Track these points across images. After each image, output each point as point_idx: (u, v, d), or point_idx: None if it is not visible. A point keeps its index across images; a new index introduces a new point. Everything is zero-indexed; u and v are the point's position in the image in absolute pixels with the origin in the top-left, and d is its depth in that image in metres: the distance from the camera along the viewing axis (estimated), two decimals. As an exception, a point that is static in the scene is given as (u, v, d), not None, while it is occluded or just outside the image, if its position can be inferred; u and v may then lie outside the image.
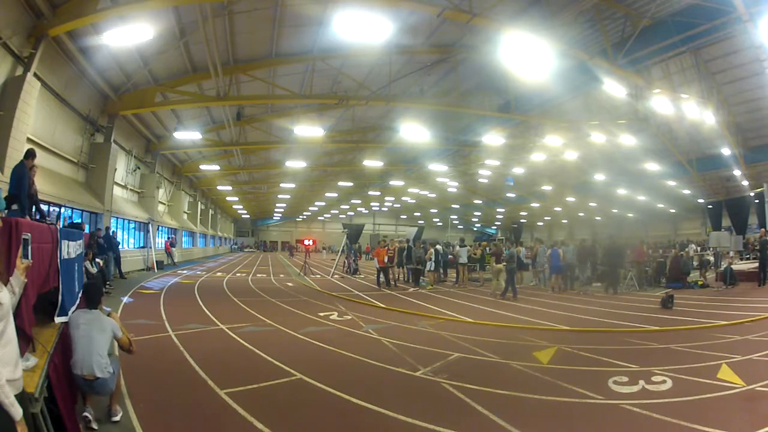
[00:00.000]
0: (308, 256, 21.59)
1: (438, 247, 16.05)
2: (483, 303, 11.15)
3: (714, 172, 23.75)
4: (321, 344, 6.40)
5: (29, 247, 2.98)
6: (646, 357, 5.76)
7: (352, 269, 20.57)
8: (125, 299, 10.05)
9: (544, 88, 14.87)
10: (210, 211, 39.84)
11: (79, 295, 4.62)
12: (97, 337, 3.43)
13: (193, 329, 7.17)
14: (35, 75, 10.11)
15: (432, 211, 55.22)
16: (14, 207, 5.67)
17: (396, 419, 3.73)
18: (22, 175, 6.06)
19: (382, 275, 15.11)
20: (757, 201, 21.93)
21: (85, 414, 3.38)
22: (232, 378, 4.67)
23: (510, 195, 39.71)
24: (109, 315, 3.78)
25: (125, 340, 3.77)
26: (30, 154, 6.44)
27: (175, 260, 23.22)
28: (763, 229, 14.61)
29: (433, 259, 15.26)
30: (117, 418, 3.52)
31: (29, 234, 2.98)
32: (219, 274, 19.09)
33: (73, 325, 3.49)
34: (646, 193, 32.11)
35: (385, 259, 15.27)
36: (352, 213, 57.58)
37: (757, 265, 14.36)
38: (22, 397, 2.07)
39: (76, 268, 4.77)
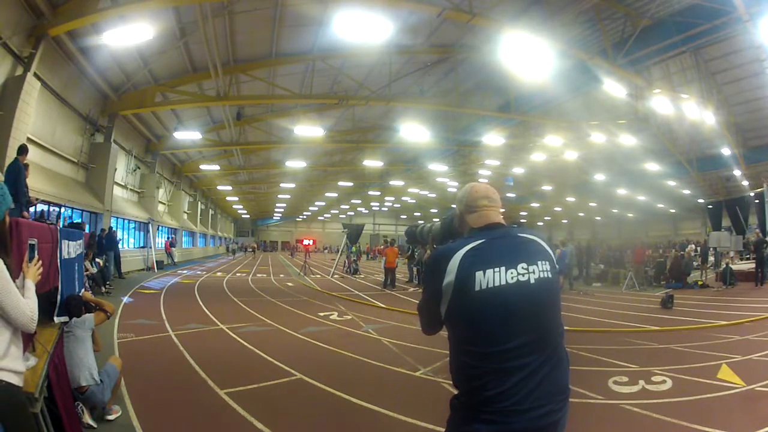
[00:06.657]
0: (308, 256, 21.61)
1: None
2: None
3: (714, 172, 23.75)
4: (321, 344, 6.39)
5: (35, 253, 2.98)
6: (646, 357, 5.75)
7: (352, 269, 20.57)
8: (125, 299, 10.04)
9: (544, 88, 14.85)
10: (210, 211, 39.82)
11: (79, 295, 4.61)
12: (76, 350, 3.48)
13: (193, 329, 7.17)
14: (35, 75, 10.11)
15: (432, 211, 55.19)
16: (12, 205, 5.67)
17: (396, 419, 3.73)
18: (18, 172, 6.01)
19: (389, 276, 14.99)
20: (757, 201, 21.89)
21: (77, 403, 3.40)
22: (232, 378, 4.67)
23: (510, 195, 39.66)
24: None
25: (100, 317, 3.81)
26: (23, 150, 6.37)
27: (175, 260, 23.23)
28: (757, 230, 14.62)
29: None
30: (111, 417, 3.53)
31: (35, 240, 2.98)
32: (219, 274, 19.09)
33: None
34: (646, 193, 32.10)
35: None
36: (352, 213, 57.55)
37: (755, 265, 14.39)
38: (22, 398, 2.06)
39: (76, 268, 4.76)
